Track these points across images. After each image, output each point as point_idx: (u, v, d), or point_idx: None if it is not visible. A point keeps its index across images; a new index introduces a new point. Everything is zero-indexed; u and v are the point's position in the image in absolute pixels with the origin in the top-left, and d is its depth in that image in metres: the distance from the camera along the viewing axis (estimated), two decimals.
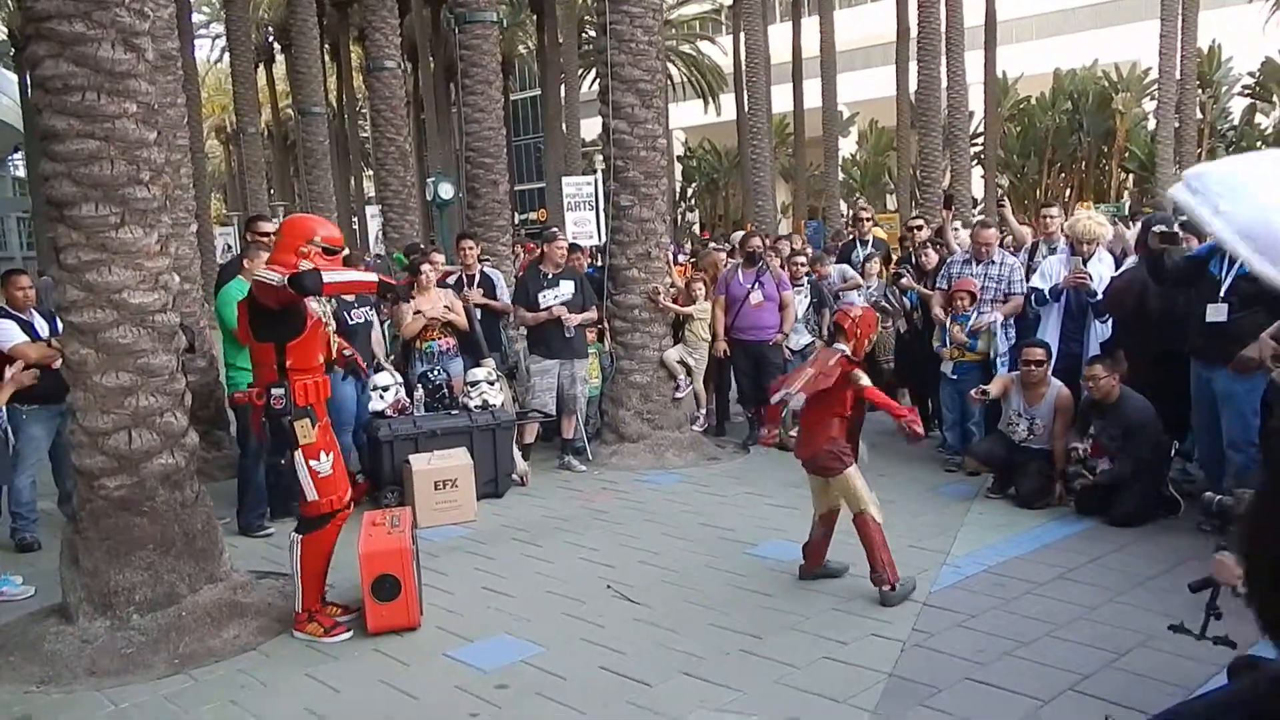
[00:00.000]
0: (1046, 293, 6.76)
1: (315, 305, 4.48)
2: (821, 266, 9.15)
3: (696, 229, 43.51)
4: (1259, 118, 36.21)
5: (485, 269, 8.55)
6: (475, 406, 7.05)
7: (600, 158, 10.33)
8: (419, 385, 7.32)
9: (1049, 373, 6.36)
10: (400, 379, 7.22)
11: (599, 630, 4.54)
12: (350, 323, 6.74)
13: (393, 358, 7.95)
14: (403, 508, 5.44)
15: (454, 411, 7.11)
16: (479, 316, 7.90)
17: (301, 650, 4.45)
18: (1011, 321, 7.11)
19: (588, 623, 4.64)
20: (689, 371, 8.28)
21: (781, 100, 30.32)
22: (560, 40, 29.52)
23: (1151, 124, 30.56)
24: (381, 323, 7.96)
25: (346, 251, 4.97)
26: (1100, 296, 6.54)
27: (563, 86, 29.80)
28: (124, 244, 4.69)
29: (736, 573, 5.22)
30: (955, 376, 7.09)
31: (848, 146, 40.96)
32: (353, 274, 4.52)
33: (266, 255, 6.31)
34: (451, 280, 8.20)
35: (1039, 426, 6.27)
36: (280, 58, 39.20)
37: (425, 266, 7.60)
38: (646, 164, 8.21)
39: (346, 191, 37.40)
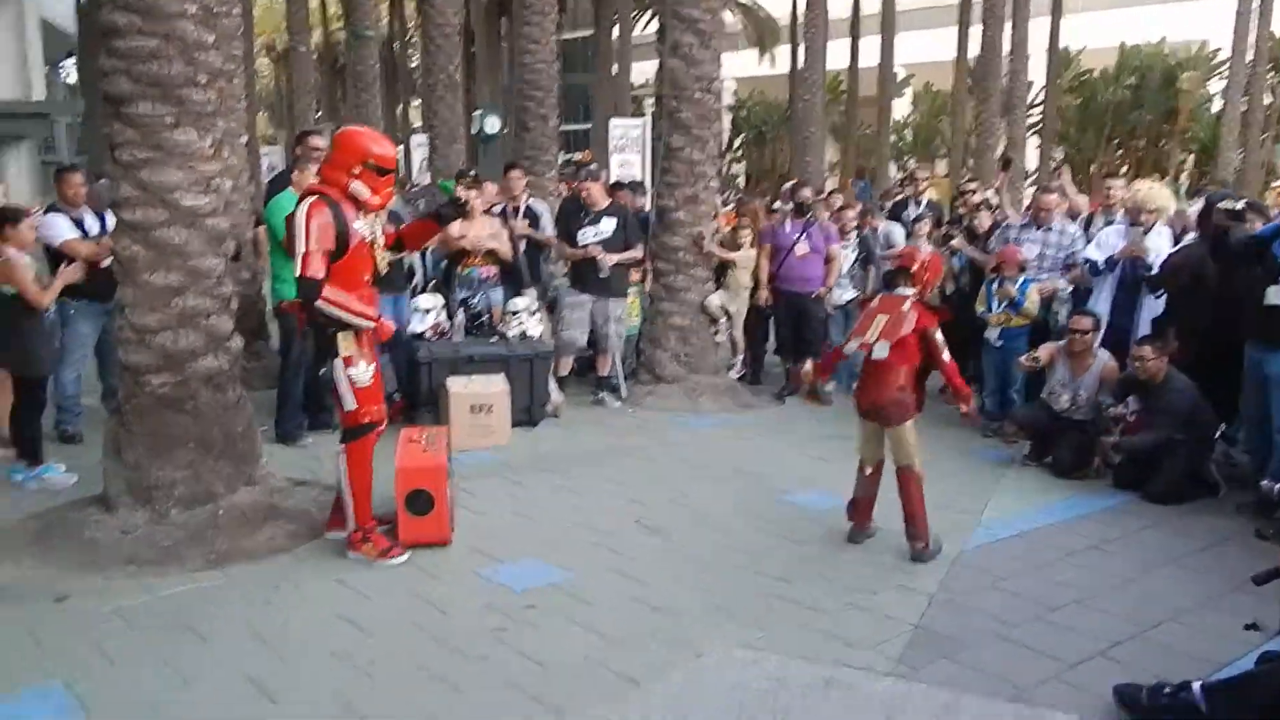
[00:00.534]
0: (1101, 263, 6.63)
1: (361, 226, 4.38)
2: (872, 219, 9.00)
3: (741, 181, 43.06)
4: None
5: (531, 201, 8.50)
6: (514, 335, 7.05)
7: (650, 101, 10.21)
8: (460, 310, 7.33)
9: (1096, 344, 6.26)
10: (443, 302, 7.23)
11: (628, 562, 4.57)
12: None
13: (434, 281, 7.97)
14: (439, 426, 5.47)
15: (493, 339, 7.12)
16: (523, 248, 7.88)
17: (334, 556, 4.51)
18: (1069, 298, 6.99)
19: (617, 554, 4.67)
20: (729, 317, 8.23)
21: (837, 56, 29.72)
22: None
23: (1217, 105, 29.73)
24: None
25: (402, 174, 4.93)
26: (1156, 271, 6.42)
27: (616, 27, 29.37)
28: (178, 145, 4.71)
29: (768, 518, 5.22)
30: (1000, 343, 7.00)
31: (901, 108, 40.20)
32: (356, 305, 4.35)
33: (315, 169, 6.31)
34: (497, 210, 8.17)
35: (1082, 397, 6.19)
36: None
37: (472, 193, 7.55)
38: (700, 106, 8.09)
39: (393, 118, 37.26)
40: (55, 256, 6.17)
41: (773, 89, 41.13)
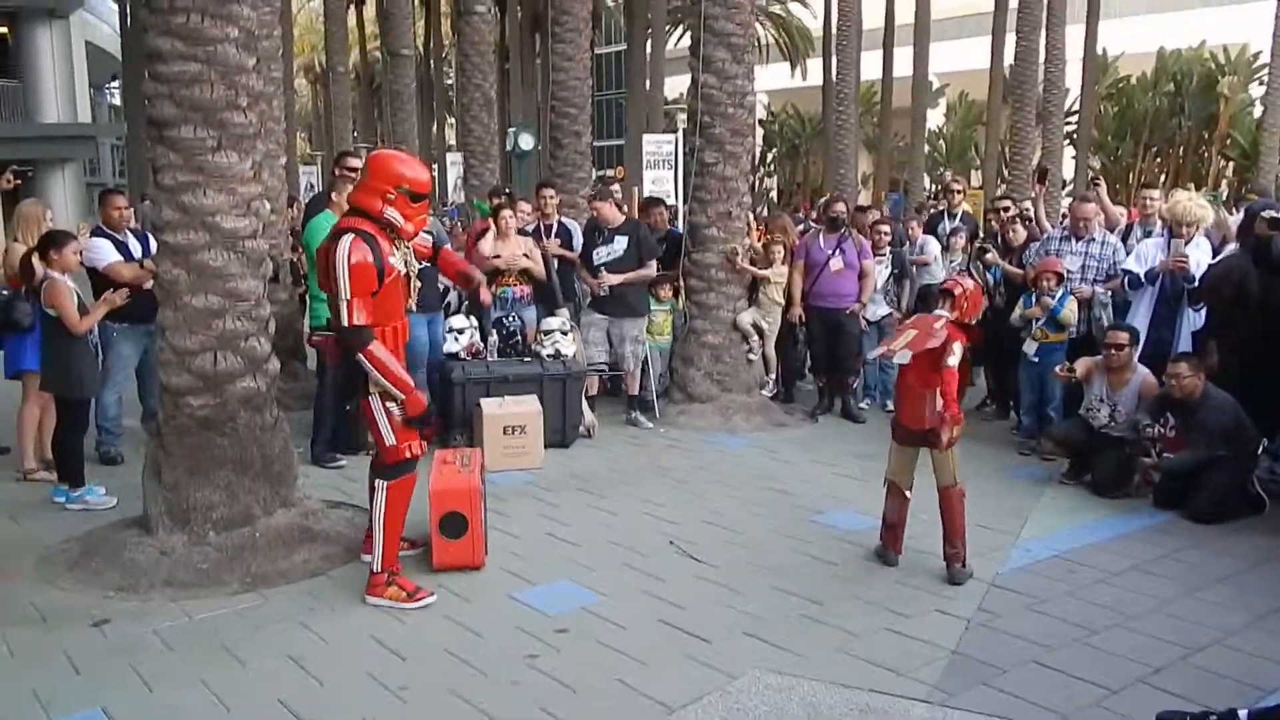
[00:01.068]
0: (1142, 276, 6.54)
1: (396, 260, 4.26)
2: (915, 228, 8.88)
3: (774, 195, 42.97)
4: None
5: (564, 219, 8.54)
6: (548, 355, 7.07)
7: (682, 116, 10.20)
8: (493, 330, 7.37)
9: (1135, 358, 6.17)
10: (475, 322, 7.27)
11: (661, 584, 4.55)
12: (420, 265, 6.75)
13: (466, 303, 8.02)
14: (473, 449, 5.49)
15: (526, 359, 7.15)
16: (556, 266, 7.91)
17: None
18: (1110, 302, 6.89)
19: (650, 576, 4.66)
20: (761, 335, 8.20)
21: (870, 68, 29.66)
22: None
23: (1258, 110, 29.25)
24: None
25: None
26: (1197, 283, 6.31)
27: (649, 42, 29.50)
28: (219, 168, 4.77)
29: (801, 539, 5.18)
30: (1037, 358, 6.91)
31: (935, 119, 39.99)
32: (396, 370, 4.15)
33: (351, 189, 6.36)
34: (530, 228, 8.21)
35: (1121, 413, 6.09)
36: None
37: (506, 213, 7.61)
38: (734, 121, 8.09)
39: (429, 136, 37.65)
40: (99, 279, 6.29)
41: (805, 101, 41.12)
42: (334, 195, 6.40)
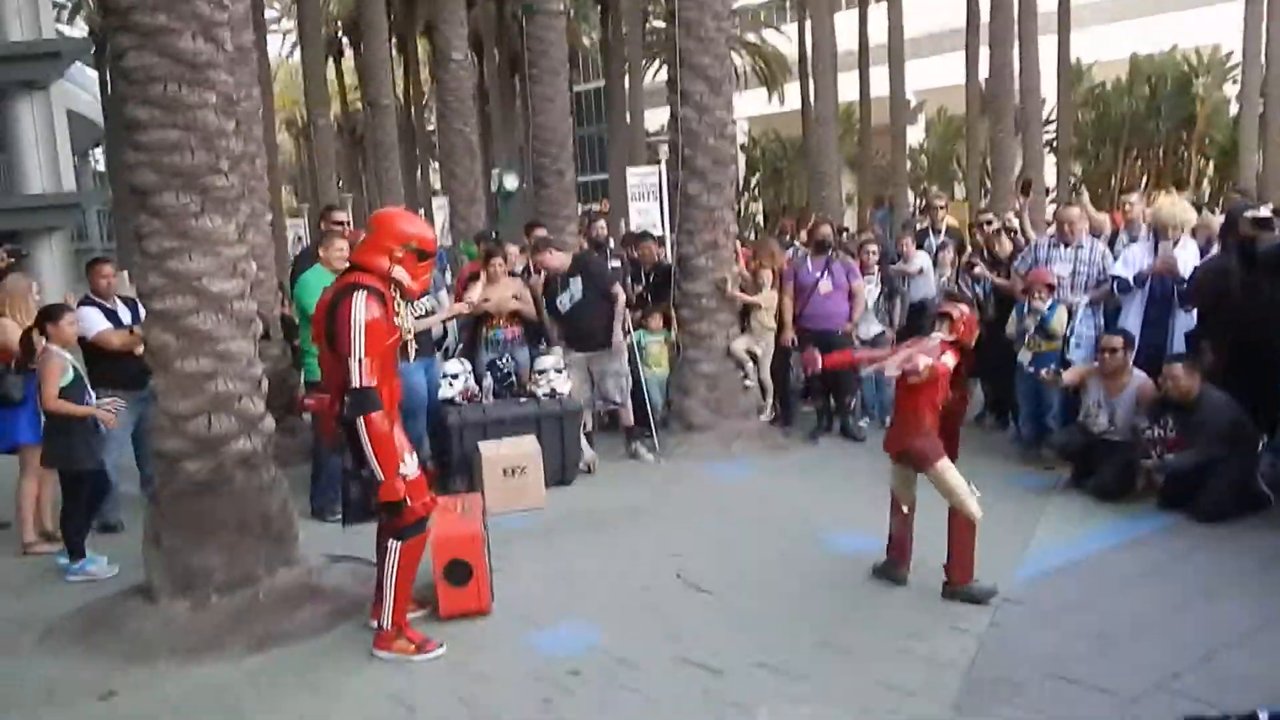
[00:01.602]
0: (1131, 280, 6.56)
1: (400, 320, 4.23)
2: (907, 247, 8.84)
3: (761, 219, 43.17)
4: None
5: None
6: (543, 394, 7.06)
7: (664, 148, 10.26)
8: (487, 373, 7.36)
9: (1130, 363, 6.17)
10: (469, 367, 7.27)
11: (671, 619, 4.52)
12: (416, 314, 6.76)
13: (461, 345, 8.02)
14: (473, 494, 5.46)
15: (522, 399, 7.13)
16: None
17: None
18: (1098, 309, 6.91)
19: (659, 611, 4.62)
20: (756, 361, 8.20)
21: (847, 89, 29.91)
22: (625, 30, 29.47)
23: (1234, 109, 29.51)
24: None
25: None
26: (1187, 284, 6.33)
27: (627, 77, 29.77)
28: (204, 232, 4.77)
29: (808, 564, 5.15)
30: (1032, 368, 6.91)
31: (915, 135, 40.27)
32: (393, 446, 4.04)
33: (342, 244, 6.36)
34: (519, 269, 8.22)
35: (1119, 418, 6.09)
36: (349, 52, 39.79)
37: (496, 260, 7.63)
38: (715, 151, 8.14)
39: (414, 183, 37.85)
40: (89, 348, 6.29)
41: (785, 125, 41.39)
42: (321, 251, 6.42)
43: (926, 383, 4.50)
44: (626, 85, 29.79)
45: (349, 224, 7.91)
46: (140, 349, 5.53)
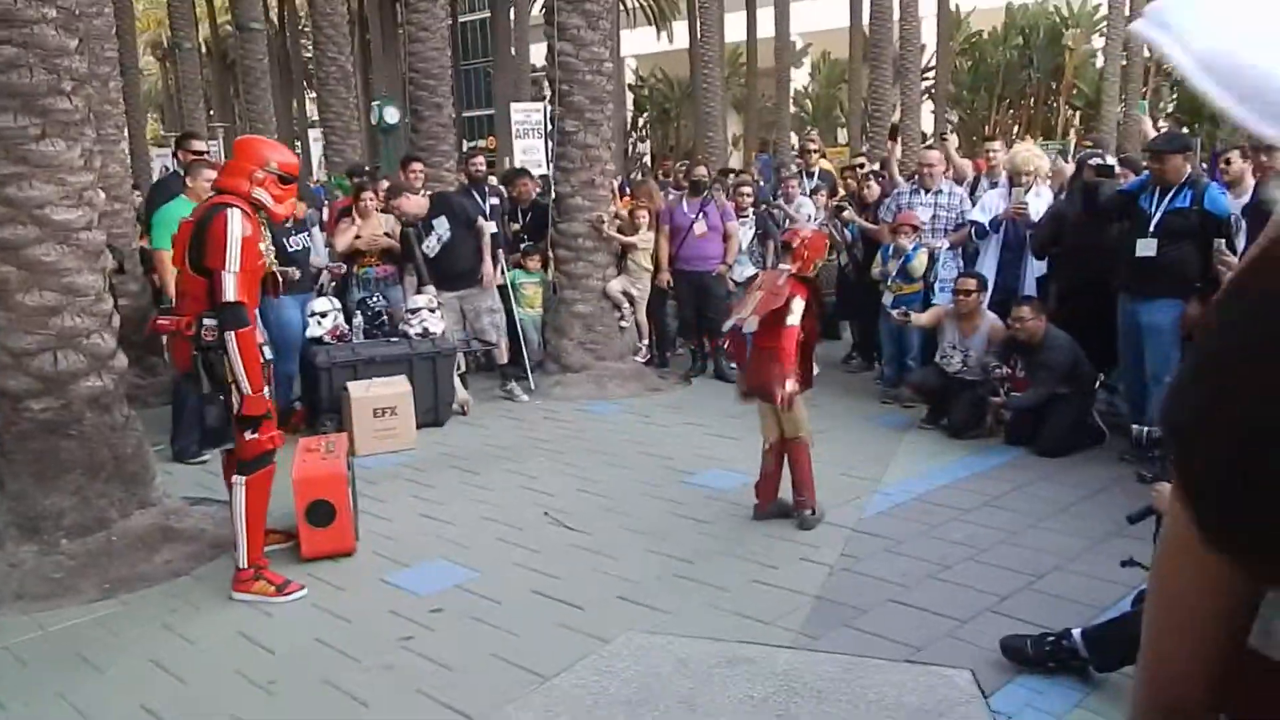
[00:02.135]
0: (986, 225, 6.84)
1: (262, 246, 4.19)
2: (792, 189, 8.95)
3: (648, 160, 43.07)
4: None
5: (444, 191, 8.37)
6: (416, 334, 6.98)
7: (549, 83, 10.12)
8: (357, 311, 7.22)
9: (984, 305, 6.46)
10: (339, 305, 7.11)
11: (535, 556, 4.59)
12: (289, 250, 6.57)
13: (335, 283, 7.83)
14: (339, 434, 5.40)
15: (393, 339, 7.04)
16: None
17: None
18: (959, 252, 7.18)
19: (524, 549, 4.69)
20: (632, 302, 8.27)
21: (736, 29, 29.90)
22: None
23: (1100, 61, 30.69)
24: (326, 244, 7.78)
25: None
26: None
27: (512, 9, 29.10)
28: (45, 157, 4.55)
29: (674, 500, 5.29)
30: (893, 310, 7.16)
31: (800, 78, 40.64)
32: (257, 364, 4.01)
33: (210, 173, 6.10)
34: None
35: (972, 358, 6.38)
36: None
37: (366, 193, 7.44)
38: (592, 88, 8.08)
39: (289, 114, 36.32)
40: None
41: (673, 65, 41.18)
42: (189, 181, 6.16)
43: (780, 314, 4.60)
44: (512, 16, 29.13)
45: (209, 154, 7.59)
46: None
